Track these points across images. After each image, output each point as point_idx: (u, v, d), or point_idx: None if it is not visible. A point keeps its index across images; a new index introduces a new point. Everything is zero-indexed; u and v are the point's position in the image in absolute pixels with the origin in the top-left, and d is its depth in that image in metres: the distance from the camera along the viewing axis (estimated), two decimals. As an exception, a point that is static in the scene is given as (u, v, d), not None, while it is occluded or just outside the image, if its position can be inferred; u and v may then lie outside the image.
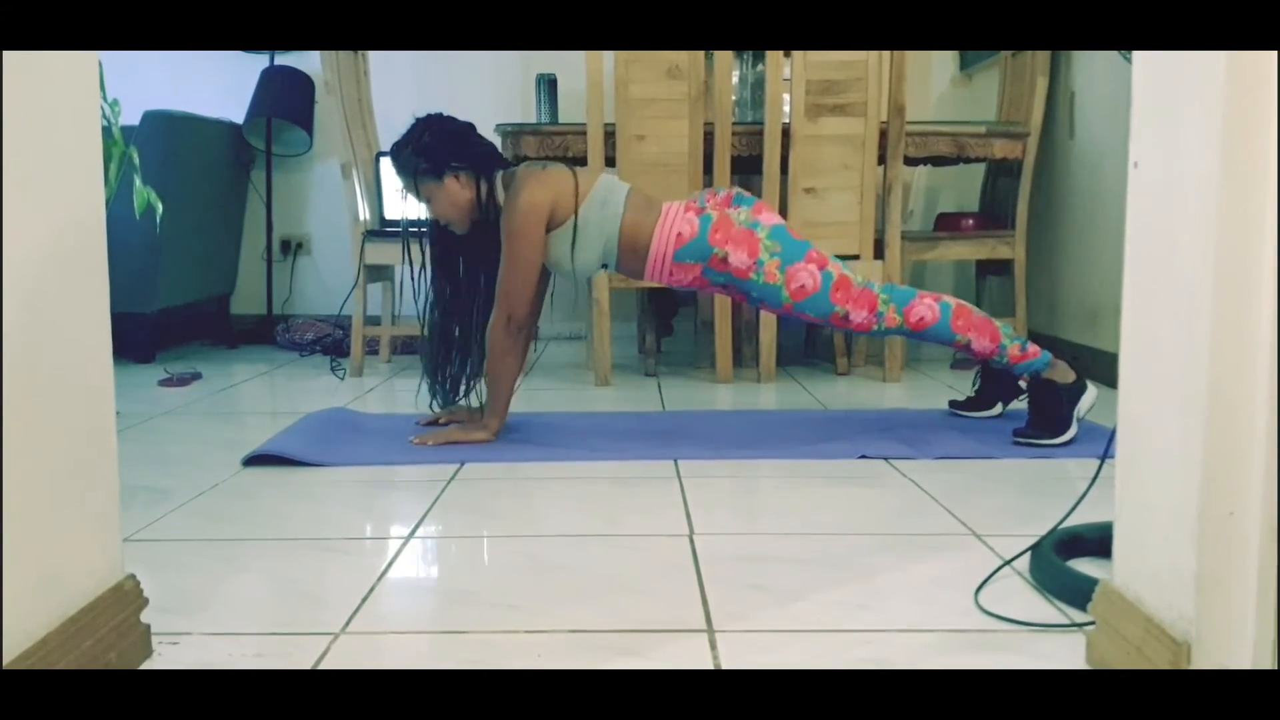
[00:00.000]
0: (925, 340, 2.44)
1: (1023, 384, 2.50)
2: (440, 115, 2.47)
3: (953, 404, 2.75)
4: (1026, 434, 2.37)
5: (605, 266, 2.46)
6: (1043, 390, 2.39)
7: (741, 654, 1.25)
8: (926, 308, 2.40)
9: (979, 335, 2.40)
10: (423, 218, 2.56)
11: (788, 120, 3.30)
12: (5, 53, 0.97)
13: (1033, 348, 2.43)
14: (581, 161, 3.43)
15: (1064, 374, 2.40)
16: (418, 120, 2.46)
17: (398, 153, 2.43)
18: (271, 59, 4.45)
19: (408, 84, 4.46)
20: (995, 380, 2.65)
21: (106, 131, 2.13)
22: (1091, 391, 2.39)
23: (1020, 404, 2.59)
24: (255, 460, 2.24)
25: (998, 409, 2.68)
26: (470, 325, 2.54)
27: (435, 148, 2.39)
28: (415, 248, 2.64)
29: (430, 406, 2.64)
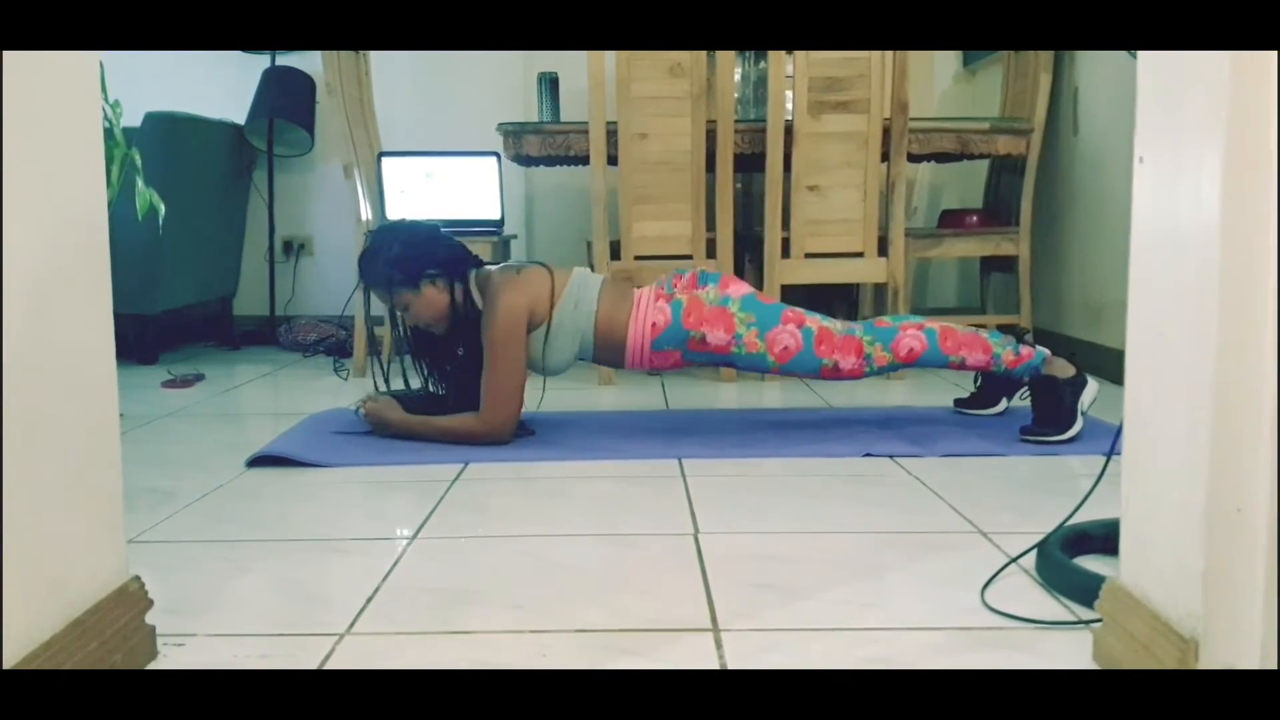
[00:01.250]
0: (923, 368, 2.45)
1: (1024, 381, 2.50)
2: (403, 222, 2.51)
3: (958, 402, 2.75)
4: (1034, 431, 2.36)
5: (582, 359, 2.47)
6: (1045, 386, 2.39)
7: (747, 653, 1.25)
8: (912, 338, 2.39)
9: (970, 351, 2.40)
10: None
11: (790, 118, 3.29)
12: (7, 53, 0.97)
13: (1025, 350, 2.42)
14: (584, 160, 3.44)
15: (1063, 368, 2.40)
16: (380, 230, 2.48)
17: (369, 266, 2.43)
18: (273, 59, 4.45)
19: (409, 84, 4.46)
20: (998, 378, 2.65)
21: (108, 133, 2.13)
22: (1092, 385, 2.39)
23: (1020, 400, 2.58)
24: (259, 461, 2.24)
25: (1002, 405, 2.68)
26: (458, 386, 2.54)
27: (407, 258, 2.39)
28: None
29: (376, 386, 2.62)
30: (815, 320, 2.40)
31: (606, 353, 2.44)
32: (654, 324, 2.38)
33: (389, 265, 2.39)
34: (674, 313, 2.38)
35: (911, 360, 2.40)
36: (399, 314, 2.48)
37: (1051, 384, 2.38)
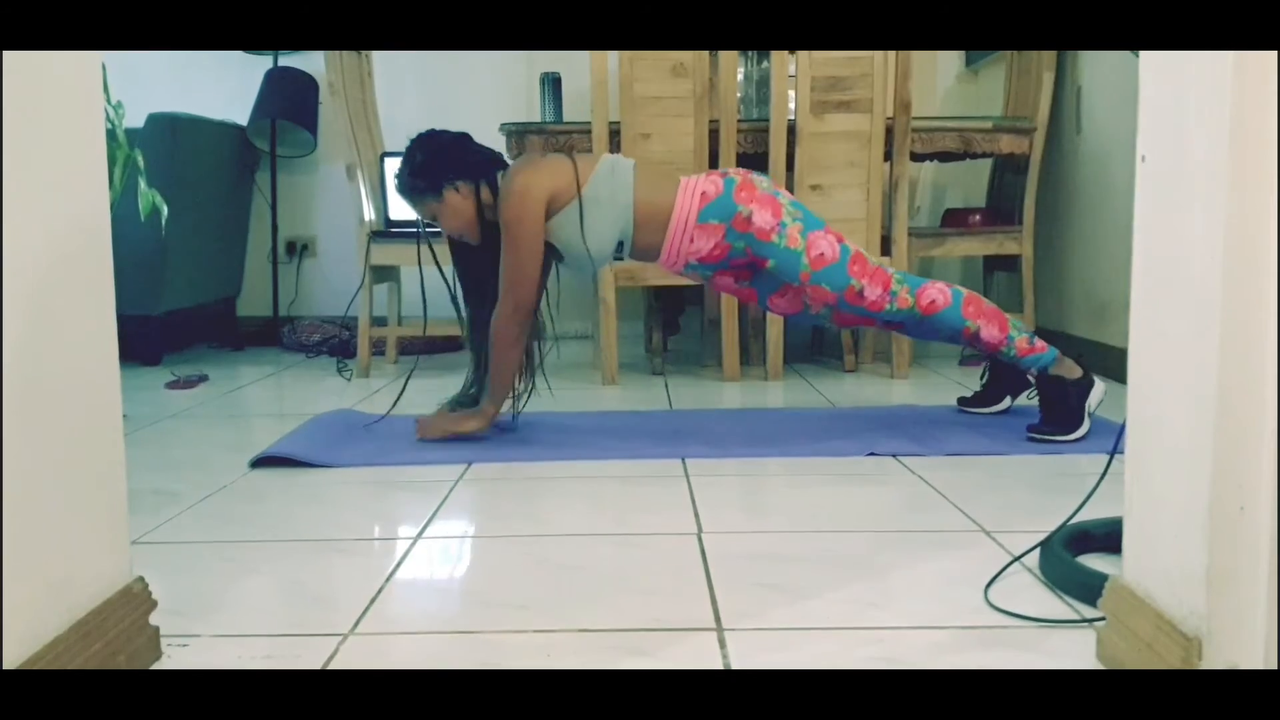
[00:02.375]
0: (935, 328, 2.41)
1: (1031, 377, 2.50)
2: (433, 131, 2.46)
3: (962, 400, 2.75)
4: (1041, 430, 2.36)
5: (620, 246, 2.43)
6: (1052, 386, 2.39)
7: (751, 653, 1.25)
8: (938, 291, 2.39)
9: (988, 323, 2.39)
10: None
11: (793, 117, 3.29)
12: (9, 54, 0.97)
13: (1040, 342, 2.42)
14: (586, 160, 3.43)
15: (1071, 369, 2.40)
16: (410, 141, 2.45)
17: (399, 179, 2.43)
18: (275, 60, 4.45)
19: (412, 85, 4.47)
20: (1003, 375, 2.65)
21: (111, 134, 2.14)
22: (1099, 386, 2.39)
23: (1028, 400, 2.58)
24: (263, 462, 2.24)
25: (1006, 403, 2.67)
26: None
27: (428, 165, 2.38)
28: (426, 250, 2.62)
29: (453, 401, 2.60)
30: (854, 243, 2.42)
31: (647, 231, 2.39)
32: (704, 193, 2.36)
33: (413, 174, 2.38)
34: (726, 186, 2.37)
35: (931, 312, 2.38)
36: (439, 227, 2.44)
37: (1059, 384, 2.38)
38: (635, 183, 2.38)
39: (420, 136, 2.44)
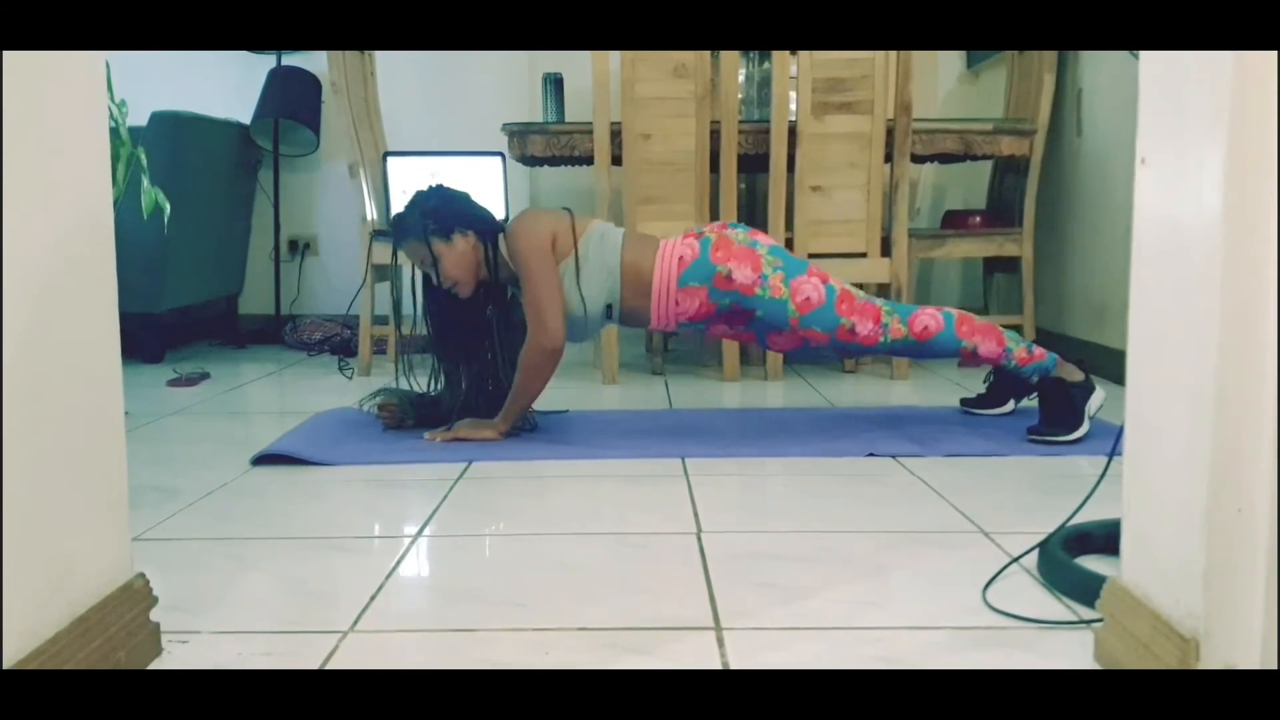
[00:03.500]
0: (933, 352, 2.43)
1: (1032, 382, 2.50)
2: (440, 186, 2.52)
3: (964, 402, 2.75)
4: (1040, 431, 2.37)
5: (609, 308, 2.46)
6: (1053, 388, 2.39)
7: (749, 652, 1.25)
8: (930, 317, 2.40)
9: (984, 339, 2.41)
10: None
11: (794, 118, 3.30)
12: (14, 53, 0.98)
13: (1038, 350, 2.43)
14: (588, 160, 3.44)
15: (1072, 373, 2.41)
16: (418, 192, 2.50)
17: (402, 219, 2.45)
18: (278, 59, 4.45)
19: (414, 84, 4.47)
20: (1007, 378, 2.65)
21: (114, 132, 2.14)
22: (1100, 392, 2.39)
23: (1030, 402, 2.58)
24: (264, 460, 2.25)
25: (1010, 406, 2.68)
26: (475, 373, 2.54)
27: (442, 210, 2.42)
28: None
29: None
30: (839, 281, 2.43)
31: (633, 296, 2.42)
32: (681, 257, 2.39)
33: (425, 215, 2.41)
34: (702, 247, 2.39)
35: (925, 338, 2.39)
36: (430, 273, 2.46)
37: (1060, 386, 2.38)
38: (622, 248, 2.42)
39: (429, 189, 2.50)
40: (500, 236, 2.45)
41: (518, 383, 2.41)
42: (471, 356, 2.53)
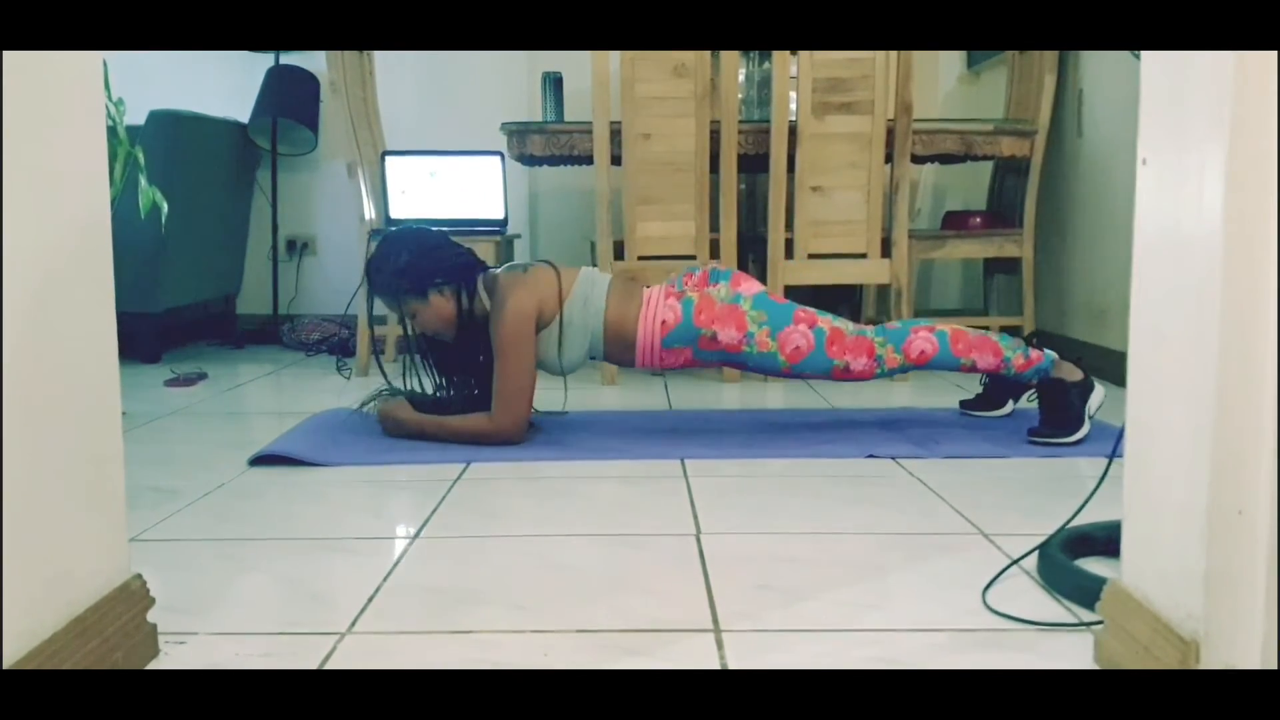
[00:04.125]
0: (933, 370, 2.44)
1: (1033, 384, 2.50)
2: (410, 230, 2.49)
3: (963, 404, 2.75)
4: (1041, 433, 2.36)
5: (593, 358, 2.46)
6: (1053, 389, 2.39)
7: (748, 654, 1.25)
8: (924, 340, 2.39)
9: (981, 354, 2.40)
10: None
11: (794, 118, 3.29)
12: (11, 52, 0.97)
13: (1035, 353, 2.43)
14: (588, 160, 3.44)
15: (1071, 372, 2.40)
16: (387, 238, 2.46)
17: (376, 275, 2.43)
18: (277, 58, 4.45)
19: (413, 84, 4.46)
20: (1005, 379, 2.64)
21: (112, 131, 2.14)
22: (1099, 390, 2.39)
23: (1028, 403, 2.58)
24: (261, 460, 2.24)
25: (1008, 407, 2.68)
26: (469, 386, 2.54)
27: (415, 267, 2.39)
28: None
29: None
30: (827, 321, 2.40)
31: (617, 351, 2.43)
32: (664, 321, 2.38)
33: (397, 275, 2.39)
34: (685, 310, 2.38)
35: (923, 363, 2.39)
36: (407, 320, 2.48)
37: (1059, 387, 2.38)
38: (606, 304, 2.40)
39: (401, 234, 2.47)
40: (478, 281, 2.43)
41: (456, 431, 2.38)
42: (473, 371, 2.51)
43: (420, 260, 2.40)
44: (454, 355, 2.52)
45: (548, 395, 2.92)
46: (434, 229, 2.53)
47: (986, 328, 2.82)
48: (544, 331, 2.38)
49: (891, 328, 2.43)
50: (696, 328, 2.37)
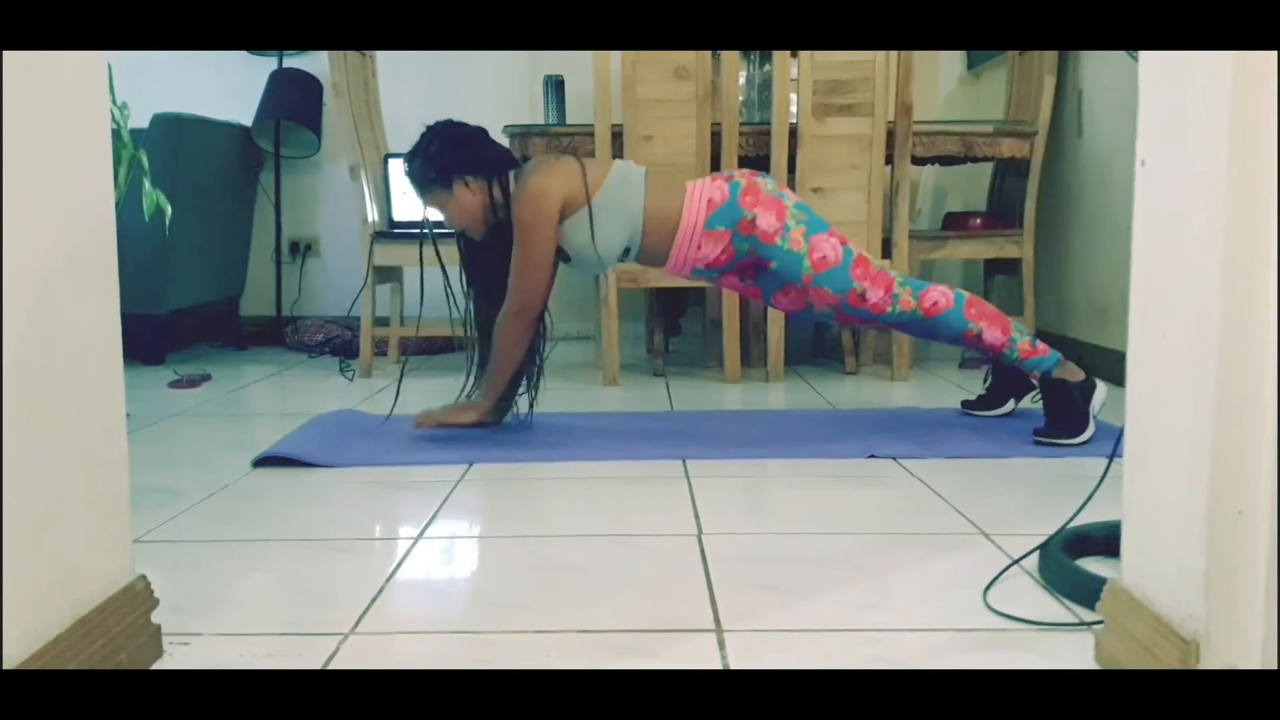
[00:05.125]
0: (937, 330, 2.41)
1: (1034, 380, 2.50)
2: (450, 122, 2.46)
3: (965, 403, 2.75)
4: (1047, 434, 2.36)
5: (628, 252, 2.44)
6: (1056, 390, 2.39)
7: (750, 654, 1.25)
8: (940, 294, 2.40)
9: (990, 325, 2.39)
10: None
11: (795, 120, 3.30)
12: (15, 54, 0.98)
13: (1041, 345, 2.42)
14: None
15: (1073, 373, 2.40)
16: (426, 130, 2.45)
17: (409, 164, 2.43)
18: (280, 61, 4.46)
19: (415, 85, 4.47)
20: (1007, 378, 2.65)
21: (116, 134, 2.14)
22: (1101, 389, 2.39)
23: (1032, 403, 2.58)
24: (265, 461, 2.25)
25: (1009, 406, 2.68)
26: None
27: (442, 156, 2.38)
28: (431, 249, 2.63)
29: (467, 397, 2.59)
30: (857, 246, 2.43)
31: (656, 238, 2.41)
32: (711, 200, 2.38)
33: (424, 164, 2.39)
34: (732, 190, 2.38)
35: (933, 314, 2.39)
36: (444, 217, 2.44)
37: (1063, 387, 2.38)
38: (646, 192, 2.39)
39: (437, 126, 2.44)
40: (510, 176, 2.41)
41: (494, 355, 2.40)
42: (492, 300, 2.47)
43: (448, 150, 2.39)
44: (482, 259, 2.50)
45: (548, 395, 2.93)
46: (472, 125, 2.49)
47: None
48: (573, 218, 2.36)
49: (914, 279, 2.45)
50: (740, 207, 2.36)
